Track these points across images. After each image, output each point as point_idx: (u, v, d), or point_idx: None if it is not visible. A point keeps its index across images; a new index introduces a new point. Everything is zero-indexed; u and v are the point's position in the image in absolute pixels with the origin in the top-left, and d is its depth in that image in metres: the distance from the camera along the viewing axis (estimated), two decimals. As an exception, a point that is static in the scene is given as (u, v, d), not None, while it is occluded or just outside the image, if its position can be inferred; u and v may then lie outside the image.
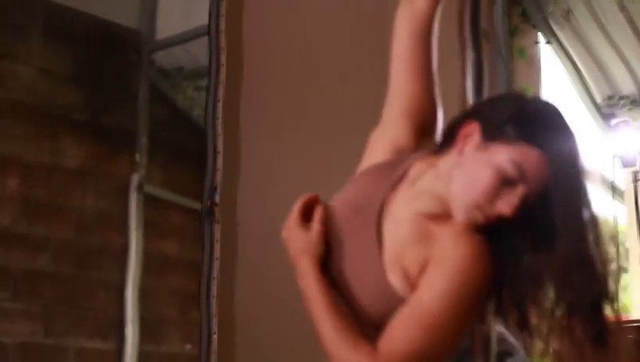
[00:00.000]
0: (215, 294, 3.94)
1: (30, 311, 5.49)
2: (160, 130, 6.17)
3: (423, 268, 1.95)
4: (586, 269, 1.82)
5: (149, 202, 6.03)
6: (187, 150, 6.08)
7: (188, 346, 6.18)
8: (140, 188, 5.96)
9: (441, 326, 1.88)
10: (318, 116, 4.19)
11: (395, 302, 1.97)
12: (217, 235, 3.97)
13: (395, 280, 2.00)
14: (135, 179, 5.96)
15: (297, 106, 4.21)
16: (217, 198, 3.98)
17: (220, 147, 3.95)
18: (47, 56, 5.71)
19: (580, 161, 1.90)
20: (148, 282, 5.99)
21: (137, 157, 5.98)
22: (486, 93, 3.85)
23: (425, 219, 2.03)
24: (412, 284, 1.97)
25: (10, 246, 5.44)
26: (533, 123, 1.92)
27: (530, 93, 5.09)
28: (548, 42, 7.38)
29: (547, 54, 7.42)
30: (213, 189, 3.99)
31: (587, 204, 1.86)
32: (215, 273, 3.93)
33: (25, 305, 5.47)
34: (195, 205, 6.05)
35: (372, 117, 2.33)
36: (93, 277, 5.79)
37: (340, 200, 2.20)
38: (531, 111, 1.96)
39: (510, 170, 1.88)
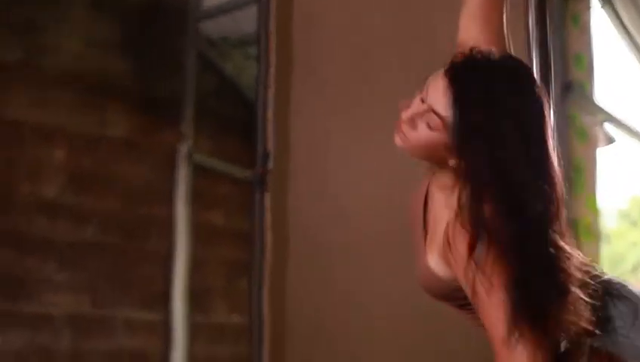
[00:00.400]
0: (266, 263, 3.92)
1: (77, 282, 5.50)
2: (207, 99, 6.14)
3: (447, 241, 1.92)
4: None
5: (197, 172, 6.00)
6: (235, 119, 6.05)
7: (236, 316, 6.17)
8: (187, 157, 5.93)
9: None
10: (371, 82, 4.12)
11: (438, 284, 2.00)
12: (268, 204, 3.94)
13: (433, 261, 2.02)
14: (182, 149, 5.93)
15: (349, 72, 4.15)
16: (269, 166, 3.95)
17: (271, 115, 3.92)
18: (94, 26, 5.69)
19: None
20: (196, 252, 5.97)
21: (185, 127, 5.95)
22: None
23: (442, 191, 2.03)
24: (446, 258, 1.95)
25: (57, 218, 5.45)
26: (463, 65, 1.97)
27: (583, 61, 4.98)
28: (602, 7, 7.22)
29: (600, 20, 7.26)
30: (265, 157, 3.96)
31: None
32: (266, 242, 3.91)
33: (72, 276, 5.48)
34: (243, 174, 6.04)
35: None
36: (140, 247, 5.79)
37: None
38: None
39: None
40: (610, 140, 6.16)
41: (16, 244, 5.27)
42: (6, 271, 5.21)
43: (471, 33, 2.22)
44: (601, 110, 4.70)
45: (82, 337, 5.47)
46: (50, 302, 5.36)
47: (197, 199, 6.00)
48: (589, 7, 6.99)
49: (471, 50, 1.96)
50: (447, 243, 1.90)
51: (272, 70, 3.92)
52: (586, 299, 1.80)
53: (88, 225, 5.57)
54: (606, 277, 1.97)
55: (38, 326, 5.31)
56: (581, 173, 4.24)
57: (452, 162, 1.92)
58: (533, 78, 2.01)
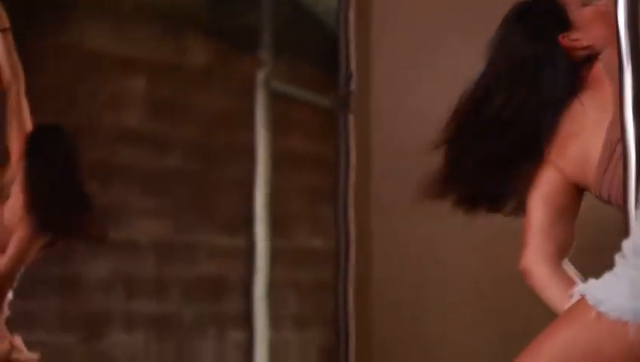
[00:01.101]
0: (351, 186, 3.93)
1: (160, 209, 5.59)
2: (284, 25, 6.12)
3: None
4: None
5: (275, 98, 6.02)
6: (312, 45, 6.03)
7: (316, 241, 6.22)
8: (265, 84, 5.94)
9: None
10: (453, 2, 4.07)
11: None
12: (352, 125, 3.94)
13: None
14: (260, 75, 5.94)
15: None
16: (352, 87, 3.94)
17: (353, 35, 3.89)
18: (170, -45, 5.71)
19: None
20: (276, 178, 6.01)
21: (262, 53, 5.95)
22: None
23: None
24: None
25: (139, 146, 5.53)
26: None
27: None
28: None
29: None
30: (347, 79, 3.94)
31: None
32: (351, 163, 3.91)
33: (155, 203, 5.57)
34: (322, 100, 6.03)
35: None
36: (221, 174, 5.84)
37: None
38: None
39: None
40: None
41: (100, 174, 5.36)
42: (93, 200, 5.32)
43: None
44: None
45: (166, 263, 5.58)
46: (134, 230, 5.47)
47: (276, 125, 6.03)
48: None
49: None
50: None
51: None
52: None
53: (170, 153, 5.64)
54: None
55: (122, 254, 5.43)
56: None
57: None
58: None
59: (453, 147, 2.17)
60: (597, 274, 1.73)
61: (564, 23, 2.12)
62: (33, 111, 5.13)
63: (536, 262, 2.07)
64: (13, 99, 3.82)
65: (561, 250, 2.11)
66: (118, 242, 5.38)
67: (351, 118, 3.95)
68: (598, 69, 2.08)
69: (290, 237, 6.12)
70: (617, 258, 1.71)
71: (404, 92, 3.97)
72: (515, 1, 2.24)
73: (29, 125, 3.84)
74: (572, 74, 2.10)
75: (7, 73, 3.88)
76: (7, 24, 3.92)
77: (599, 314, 1.61)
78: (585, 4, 2.14)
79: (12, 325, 4.93)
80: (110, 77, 5.45)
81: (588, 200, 2.14)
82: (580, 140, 2.04)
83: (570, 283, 2.03)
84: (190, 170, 5.71)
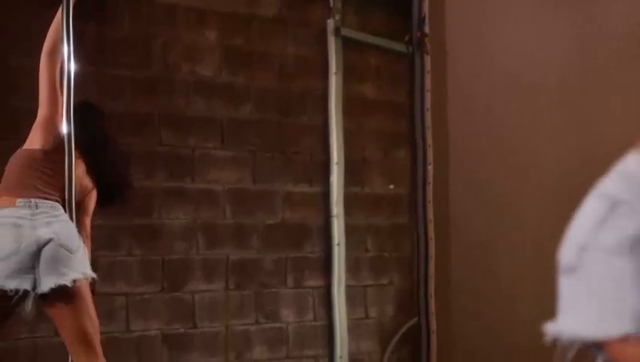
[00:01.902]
0: (429, 125, 3.93)
1: (238, 158, 5.66)
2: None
3: None
4: None
5: (347, 46, 6.02)
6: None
7: (392, 186, 6.25)
8: (336, 32, 5.94)
9: None
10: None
11: None
12: (428, 66, 3.93)
13: None
14: (331, 23, 5.95)
15: None
16: (427, 29, 3.92)
17: (425, -23, 3.87)
18: None
19: None
20: (350, 124, 6.04)
21: (333, 1, 5.95)
22: None
23: None
24: None
25: (215, 97, 5.59)
26: None
27: None
28: None
29: None
30: (422, 20, 3.93)
31: None
32: (427, 104, 3.91)
33: (233, 152, 5.64)
34: (393, 45, 6.02)
35: None
36: (296, 122, 5.89)
37: None
38: None
39: None
40: None
41: (178, 125, 5.45)
42: (170, 151, 5.40)
43: None
44: None
45: (244, 212, 5.66)
46: (212, 179, 5.55)
47: (348, 72, 6.04)
48: None
49: None
50: None
51: None
52: None
53: (245, 103, 5.70)
54: None
55: (202, 203, 5.52)
56: None
57: None
58: None
59: None
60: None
61: None
62: (111, 65, 5.23)
63: None
64: (45, 54, 3.94)
65: None
66: (196, 192, 5.49)
67: (426, 61, 3.93)
68: None
69: (364, 184, 6.15)
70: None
71: (478, 33, 3.94)
72: None
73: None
74: None
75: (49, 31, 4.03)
76: None
77: None
78: None
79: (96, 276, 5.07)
80: (184, 29, 5.50)
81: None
82: None
83: None
84: (266, 119, 5.76)
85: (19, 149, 3.93)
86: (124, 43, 5.30)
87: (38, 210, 3.73)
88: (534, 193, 3.77)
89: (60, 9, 3.99)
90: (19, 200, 3.74)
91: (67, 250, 3.60)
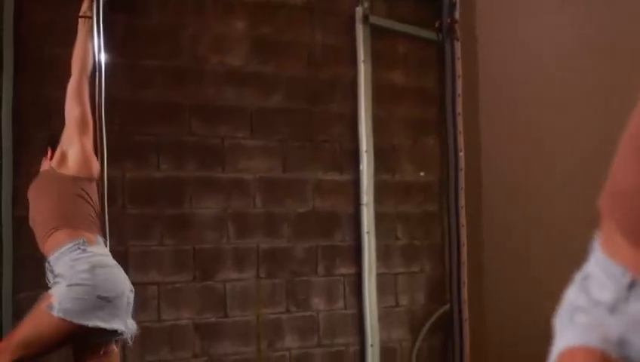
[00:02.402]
0: (460, 112, 3.92)
1: (268, 147, 5.67)
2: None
3: None
4: None
5: (375, 33, 6.02)
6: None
7: (422, 173, 6.24)
8: (365, 20, 5.94)
9: None
10: None
11: None
12: (458, 53, 3.91)
13: None
14: (359, 11, 5.94)
15: None
16: (457, 15, 3.91)
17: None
18: None
19: None
20: (379, 112, 6.03)
21: (361, -11, 5.96)
22: None
23: None
24: None
25: (244, 86, 5.60)
26: None
27: None
28: None
29: None
30: (453, 6, 3.92)
31: None
32: (458, 90, 3.90)
33: (262, 141, 5.65)
34: (422, 32, 6.01)
35: None
36: (325, 110, 5.89)
37: None
38: None
39: None
40: None
41: (208, 115, 5.46)
42: (200, 140, 5.43)
43: None
44: None
45: (274, 200, 5.67)
46: (242, 168, 5.57)
47: (377, 59, 6.03)
48: None
49: None
50: None
51: None
52: None
53: (275, 92, 5.70)
54: None
55: (232, 192, 5.54)
56: None
57: None
58: None
59: None
60: None
61: None
62: (140, 56, 5.26)
63: None
64: (74, 81, 3.92)
65: None
66: (227, 181, 5.51)
67: (457, 47, 3.92)
68: None
69: (394, 171, 6.14)
70: None
71: (509, 19, 3.92)
72: None
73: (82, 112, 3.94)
74: None
75: (75, 56, 4.00)
76: (89, 13, 4.06)
77: None
78: None
79: (128, 265, 5.11)
80: (212, 18, 5.52)
81: None
82: None
83: None
84: (295, 107, 5.77)
85: (50, 171, 3.87)
86: (154, 34, 5.32)
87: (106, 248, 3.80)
88: (566, 179, 3.75)
89: (80, 27, 3.99)
90: (97, 236, 3.77)
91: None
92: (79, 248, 3.68)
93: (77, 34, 4.07)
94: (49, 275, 3.76)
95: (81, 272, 3.63)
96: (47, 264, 3.75)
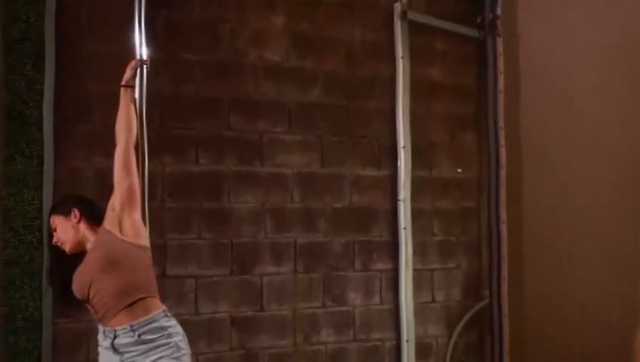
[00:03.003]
0: (502, 107, 3.91)
1: (306, 142, 5.68)
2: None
3: None
4: None
5: (413, 29, 6.01)
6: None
7: (459, 170, 6.23)
8: (403, 16, 5.93)
9: None
10: None
11: None
12: (500, 49, 3.91)
13: None
14: (398, 7, 5.94)
15: None
16: (499, 11, 3.90)
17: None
18: None
19: None
20: (417, 108, 6.03)
21: (399, -15, 5.95)
22: None
23: None
24: None
25: (283, 81, 5.62)
26: None
27: None
28: None
29: None
30: (495, 2, 3.91)
31: None
32: (500, 86, 3.89)
33: (301, 136, 5.67)
34: (460, 29, 6.00)
35: None
36: (364, 106, 5.90)
37: None
38: None
39: None
40: None
41: (246, 109, 5.49)
42: (239, 135, 5.45)
43: None
44: None
45: (311, 195, 5.69)
46: (281, 163, 5.58)
47: (416, 56, 6.02)
48: None
49: None
50: None
51: None
52: None
53: (313, 87, 5.72)
54: None
55: (270, 187, 5.56)
56: None
57: None
58: None
59: None
60: None
61: None
62: (181, 50, 5.29)
63: None
64: (121, 151, 3.90)
65: None
66: (265, 176, 5.53)
67: (498, 43, 3.91)
68: None
69: (432, 167, 6.14)
70: None
71: (550, 15, 3.90)
72: None
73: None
74: None
75: (120, 125, 3.98)
76: (132, 82, 4.03)
77: None
78: None
79: (167, 259, 5.15)
80: (252, 14, 5.54)
81: None
82: None
83: None
84: (333, 103, 5.78)
85: (122, 240, 3.83)
86: (194, 28, 5.35)
87: None
88: (609, 174, 3.73)
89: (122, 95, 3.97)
90: None
91: None
92: (167, 315, 3.72)
93: (119, 103, 4.03)
94: (108, 340, 3.72)
95: (182, 340, 3.69)
96: (114, 329, 3.71)
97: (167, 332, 3.66)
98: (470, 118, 6.14)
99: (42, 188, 4.79)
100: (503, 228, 4.20)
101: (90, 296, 3.65)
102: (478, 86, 6.04)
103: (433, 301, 6.12)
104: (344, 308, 5.78)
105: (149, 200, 4.53)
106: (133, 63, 4.06)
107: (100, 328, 3.71)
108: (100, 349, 3.72)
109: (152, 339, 3.62)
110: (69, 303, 3.77)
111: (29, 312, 4.73)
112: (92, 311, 3.70)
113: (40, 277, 4.75)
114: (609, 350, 3.72)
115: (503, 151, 3.91)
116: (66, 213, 3.79)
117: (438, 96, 6.16)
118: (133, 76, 4.03)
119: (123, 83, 4.01)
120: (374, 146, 5.93)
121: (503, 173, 3.96)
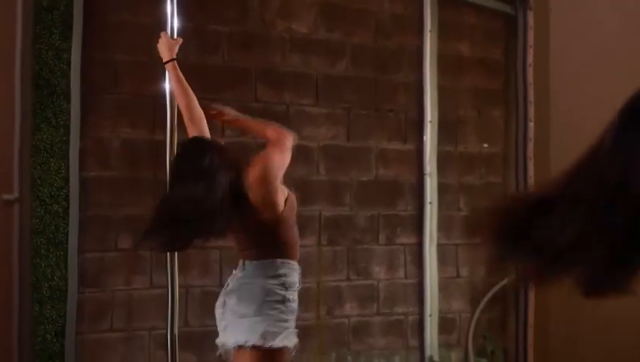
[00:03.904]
0: (531, 82, 3.88)
1: (333, 115, 5.67)
2: None
3: None
4: None
5: (442, 3, 5.97)
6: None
7: (485, 145, 6.20)
8: (433, -10, 5.90)
9: None
10: None
11: None
12: (531, 22, 3.87)
13: None
14: (428, -19, 5.91)
15: None
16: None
17: None
18: None
19: None
20: (445, 83, 6.00)
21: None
22: None
23: None
24: None
25: (311, 53, 5.60)
26: None
27: None
28: None
29: None
30: (526, -23, 3.86)
31: None
32: (529, 60, 3.86)
33: (328, 109, 5.66)
34: (488, 3, 5.95)
35: None
36: (391, 80, 5.87)
37: None
38: None
39: None
40: None
41: (273, 81, 5.48)
42: (266, 107, 5.44)
43: None
44: None
45: (337, 168, 5.68)
46: (307, 135, 5.57)
47: (444, 30, 5.99)
48: None
49: None
50: None
51: None
52: None
53: (341, 60, 5.70)
54: None
55: (296, 159, 5.53)
56: None
57: None
58: None
59: None
60: None
61: None
62: (208, 21, 5.28)
63: None
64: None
65: None
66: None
67: (529, 17, 3.87)
68: None
69: (458, 142, 6.11)
70: None
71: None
72: None
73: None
74: None
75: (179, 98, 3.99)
76: (174, 55, 3.99)
77: None
78: None
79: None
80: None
81: None
82: None
83: None
84: (362, 75, 5.76)
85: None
86: (223, 0, 5.34)
87: None
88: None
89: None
90: None
91: None
92: None
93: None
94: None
95: None
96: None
97: None
98: (498, 93, 6.09)
99: (68, 157, 4.81)
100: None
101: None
102: (506, 61, 5.98)
103: (457, 276, 6.12)
104: (368, 282, 5.78)
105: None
106: (164, 39, 4.02)
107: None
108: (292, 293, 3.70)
109: None
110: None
111: (55, 281, 4.77)
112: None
113: (65, 246, 4.78)
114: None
115: (531, 126, 3.87)
116: None
117: (465, 71, 6.12)
118: (173, 50, 4.00)
119: (166, 59, 3.98)
120: (401, 120, 5.90)
121: (530, 147, 3.92)
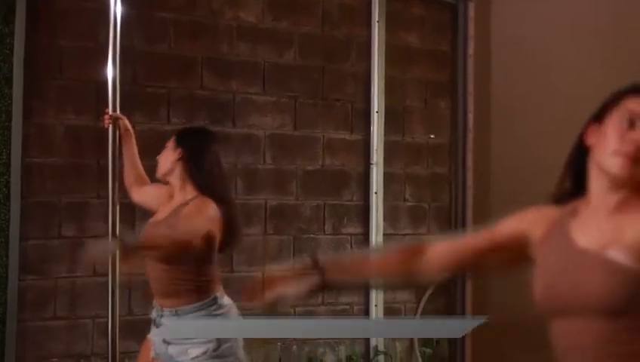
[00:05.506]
0: (471, 73, 3.91)
1: (279, 103, 5.67)
2: None
3: None
4: None
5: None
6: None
7: (432, 136, 6.22)
8: (380, -20, 5.91)
9: None
10: None
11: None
12: (471, 13, 3.89)
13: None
14: (375, -29, 5.92)
15: None
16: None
17: None
18: None
19: None
20: (392, 73, 6.02)
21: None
22: None
23: None
24: None
25: (258, 42, 5.59)
26: None
27: None
28: None
29: None
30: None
31: None
32: (470, 51, 3.88)
33: (274, 98, 5.65)
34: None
35: None
36: (339, 69, 5.88)
37: None
38: None
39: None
40: None
41: (220, 69, 5.46)
42: (212, 95, 5.42)
43: None
44: None
45: (283, 157, 5.68)
46: (253, 124, 5.57)
47: (392, 20, 6.00)
48: None
49: None
50: None
51: None
52: None
53: (288, 49, 5.69)
54: None
55: (242, 147, 5.54)
56: None
57: None
58: None
59: None
60: None
61: None
62: (156, 8, 5.24)
63: None
64: None
65: None
66: (237, 137, 5.51)
67: (470, 7, 3.89)
68: None
69: (405, 133, 6.13)
70: None
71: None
72: None
73: None
74: None
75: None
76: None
77: None
78: None
79: (136, 219, 5.13)
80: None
81: None
82: None
83: None
84: (309, 65, 5.75)
85: None
86: (169, -13, 5.31)
87: None
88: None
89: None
90: None
91: None
92: None
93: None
94: None
95: None
96: None
97: None
98: (444, 84, 6.12)
99: (11, 143, 4.75)
100: (469, 193, 4.18)
101: None
102: (453, 52, 6.02)
103: (403, 266, 6.13)
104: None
105: (119, 159, 4.50)
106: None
107: None
108: None
109: None
110: None
111: (-5, 268, 4.72)
112: None
113: (6, 233, 4.73)
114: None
115: (470, 117, 3.90)
116: None
117: (413, 62, 6.15)
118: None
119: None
120: (348, 110, 5.91)
121: (470, 138, 3.94)
